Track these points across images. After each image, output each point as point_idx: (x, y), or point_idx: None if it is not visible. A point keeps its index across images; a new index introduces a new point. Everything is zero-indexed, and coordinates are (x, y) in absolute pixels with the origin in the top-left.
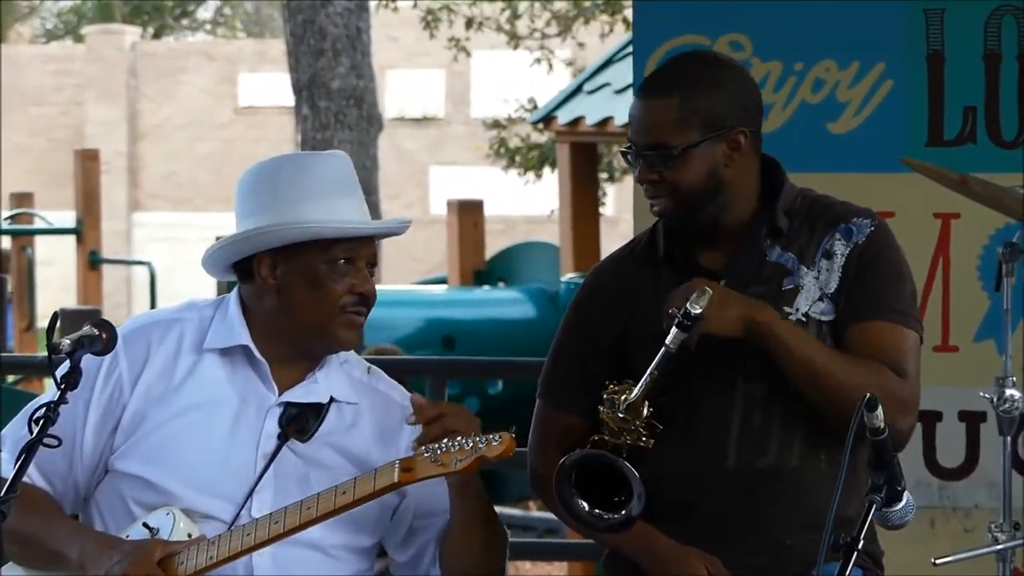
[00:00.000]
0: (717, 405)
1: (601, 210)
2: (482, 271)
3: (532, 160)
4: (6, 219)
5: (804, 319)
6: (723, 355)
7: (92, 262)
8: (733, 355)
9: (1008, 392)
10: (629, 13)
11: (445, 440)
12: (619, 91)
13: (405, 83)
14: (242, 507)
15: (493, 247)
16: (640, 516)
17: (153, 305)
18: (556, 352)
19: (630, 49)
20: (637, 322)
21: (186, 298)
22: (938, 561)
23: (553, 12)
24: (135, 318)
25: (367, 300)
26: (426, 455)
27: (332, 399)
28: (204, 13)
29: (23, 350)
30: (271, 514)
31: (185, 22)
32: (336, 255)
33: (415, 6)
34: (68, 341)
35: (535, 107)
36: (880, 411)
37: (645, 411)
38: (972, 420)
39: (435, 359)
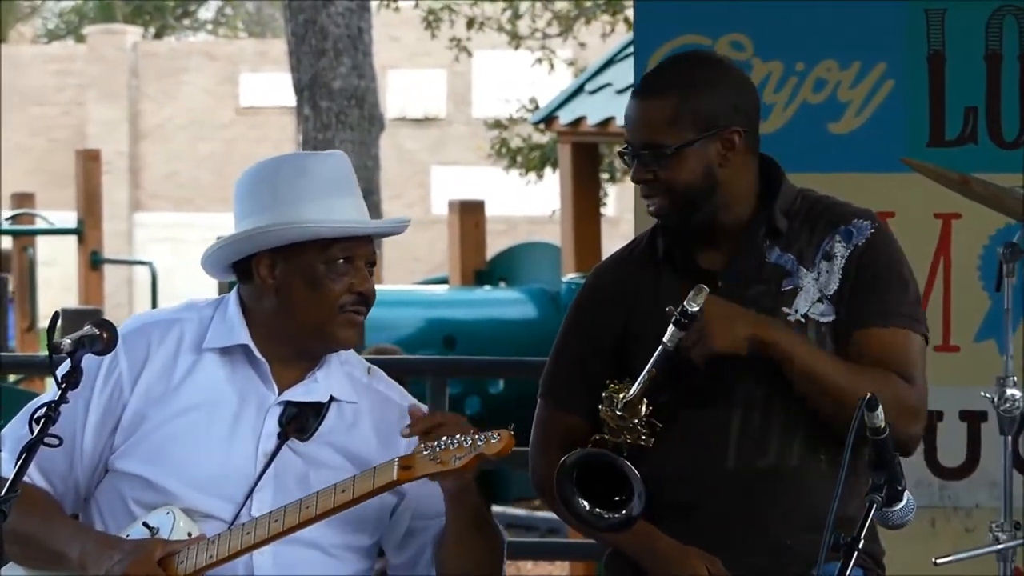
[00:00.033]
0: (717, 405)
1: (602, 210)
2: (483, 271)
3: (533, 160)
4: (7, 219)
5: (803, 320)
6: (721, 356)
7: (93, 262)
8: (732, 356)
9: (1009, 392)
10: (630, 13)
11: (444, 438)
12: (620, 91)
13: (406, 83)
14: (242, 506)
15: (494, 247)
16: (641, 516)
17: (154, 305)
18: (557, 352)
19: (631, 49)
20: (637, 322)
21: (187, 298)
22: (939, 561)
23: (554, 12)
24: (135, 318)
25: (366, 299)
26: (425, 453)
27: (332, 398)
28: (205, 13)
29: (24, 350)
30: (270, 513)
31: (186, 22)
32: (335, 255)
33: (416, 6)
34: (69, 341)
35: (536, 107)
36: (880, 411)
37: (643, 409)
38: (973, 420)
39: (436, 359)
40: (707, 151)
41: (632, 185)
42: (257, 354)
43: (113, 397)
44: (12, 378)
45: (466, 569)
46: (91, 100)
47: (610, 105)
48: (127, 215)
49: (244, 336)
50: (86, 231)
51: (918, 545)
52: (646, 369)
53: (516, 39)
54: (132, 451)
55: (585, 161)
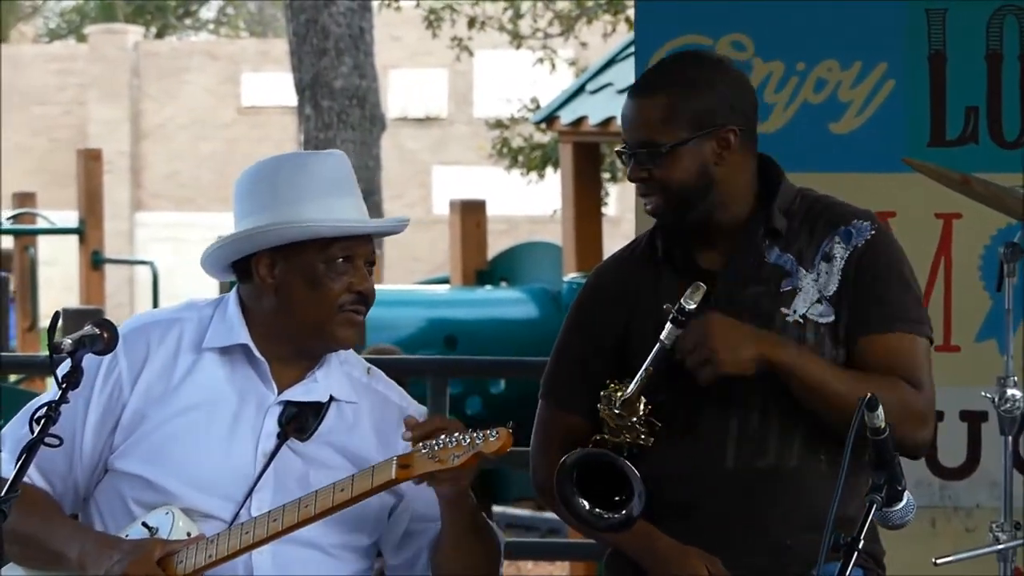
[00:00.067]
0: (715, 406)
1: (604, 210)
2: (484, 271)
3: (535, 160)
4: (8, 219)
5: (801, 320)
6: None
7: (95, 262)
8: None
9: (1009, 392)
10: (632, 13)
11: (443, 436)
12: (622, 91)
13: (408, 83)
14: (242, 506)
15: (495, 247)
16: (641, 516)
17: (156, 305)
18: (558, 352)
19: (633, 49)
20: (637, 322)
21: (189, 298)
22: (939, 561)
23: (556, 12)
24: (134, 318)
25: (366, 299)
26: (424, 451)
27: (332, 398)
28: (207, 13)
29: (26, 350)
30: (269, 512)
31: (188, 21)
32: (334, 254)
33: (418, 6)
34: (69, 340)
35: (538, 107)
36: (880, 411)
37: (642, 408)
38: (973, 420)
39: (437, 359)
40: (702, 150)
41: (633, 185)
42: (257, 354)
43: (113, 397)
44: (13, 378)
45: (462, 573)
46: (92, 100)
47: (611, 105)
48: (128, 215)
49: (244, 336)
50: (87, 231)
51: (918, 545)
52: (643, 367)
53: (517, 39)
54: (132, 451)
55: (586, 161)
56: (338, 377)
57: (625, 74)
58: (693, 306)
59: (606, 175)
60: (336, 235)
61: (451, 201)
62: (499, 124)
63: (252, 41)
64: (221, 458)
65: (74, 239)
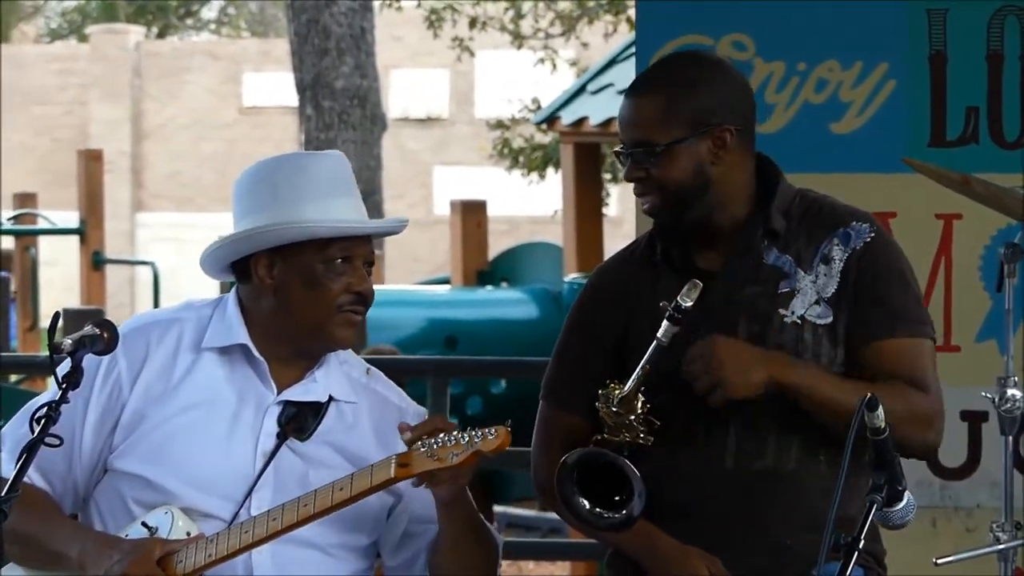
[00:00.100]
0: (713, 407)
1: (604, 210)
2: (485, 271)
3: (536, 160)
4: (9, 219)
5: (799, 321)
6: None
7: (95, 262)
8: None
9: (1010, 392)
10: (633, 13)
11: (441, 435)
12: (623, 91)
13: (409, 83)
14: (241, 505)
15: (496, 247)
16: (641, 515)
17: (156, 305)
18: (559, 353)
19: (634, 49)
20: (636, 322)
21: (188, 299)
22: (940, 561)
23: (557, 12)
24: (134, 318)
25: (364, 299)
26: (423, 450)
27: (331, 398)
28: (208, 13)
29: (26, 350)
30: (269, 511)
31: (189, 21)
32: (333, 254)
33: (419, 6)
34: (70, 340)
35: (539, 107)
36: (880, 411)
37: (639, 405)
38: (974, 420)
39: (438, 359)
40: (698, 149)
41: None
42: (256, 354)
43: (112, 397)
44: (14, 378)
45: (461, 574)
46: (93, 100)
47: (612, 105)
48: (129, 215)
49: (243, 336)
50: (88, 231)
51: (919, 545)
52: (640, 364)
53: (519, 39)
54: (131, 450)
55: (587, 161)
56: (337, 377)
57: (626, 74)
58: (690, 303)
59: (607, 176)
60: (335, 235)
61: (452, 201)
62: (500, 124)
63: (253, 41)
64: (220, 458)
65: (75, 239)
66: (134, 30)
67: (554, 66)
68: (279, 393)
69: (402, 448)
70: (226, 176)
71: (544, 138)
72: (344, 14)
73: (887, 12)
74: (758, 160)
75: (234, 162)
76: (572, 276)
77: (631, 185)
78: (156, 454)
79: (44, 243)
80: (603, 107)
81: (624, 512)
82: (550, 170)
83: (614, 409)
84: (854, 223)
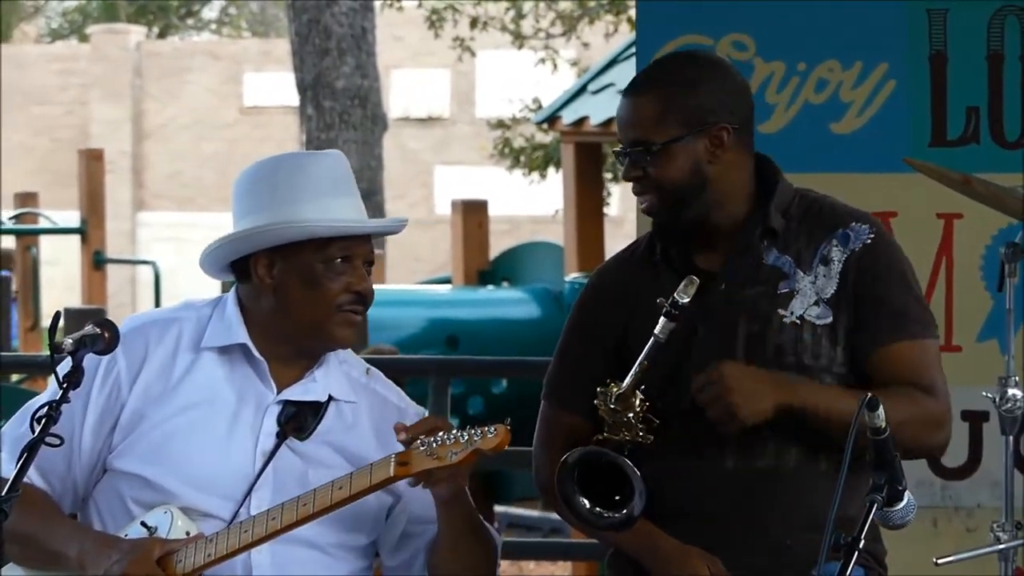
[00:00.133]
0: None
1: (605, 210)
2: (486, 271)
3: (537, 160)
4: (10, 219)
5: (799, 321)
6: (719, 357)
7: (96, 262)
8: (729, 357)
9: (1011, 392)
10: (634, 13)
11: (441, 434)
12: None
13: (410, 83)
14: (241, 505)
15: (497, 247)
16: (641, 515)
17: (158, 305)
18: (560, 353)
19: (635, 49)
20: (637, 322)
21: (187, 298)
22: (940, 561)
23: (558, 12)
24: (133, 318)
25: (364, 299)
26: (422, 449)
27: (331, 398)
28: (209, 13)
29: (27, 349)
30: (268, 511)
31: (190, 21)
32: (332, 254)
33: (420, 6)
34: (70, 340)
35: (539, 107)
36: (881, 411)
37: (637, 403)
38: (975, 420)
39: (439, 358)
40: (695, 148)
41: None
42: (255, 353)
43: (111, 396)
44: (15, 378)
45: (459, 574)
46: (94, 100)
47: (613, 105)
48: (130, 215)
49: (242, 335)
50: (89, 231)
51: (920, 545)
52: (638, 361)
53: (519, 39)
54: (130, 450)
55: (588, 161)
56: (337, 377)
57: (627, 74)
58: (686, 300)
59: (608, 175)
60: (334, 235)
61: (453, 201)
62: (501, 124)
63: (254, 41)
64: (220, 457)
65: (76, 239)
66: (135, 30)
67: (555, 66)
68: (279, 393)
69: (401, 448)
70: (227, 176)
71: (545, 138)
72: (345, 14)
73: (887, 12)
74: (757, 160)
75: (235, 162)
76: (573, 276)
77: (631, 185)
78: (155, 454)
79: (45, 243)
80: (604, 107)
81: (624, 512)
82: (551, 170)
83: (612, 406)
84: (853, 224)
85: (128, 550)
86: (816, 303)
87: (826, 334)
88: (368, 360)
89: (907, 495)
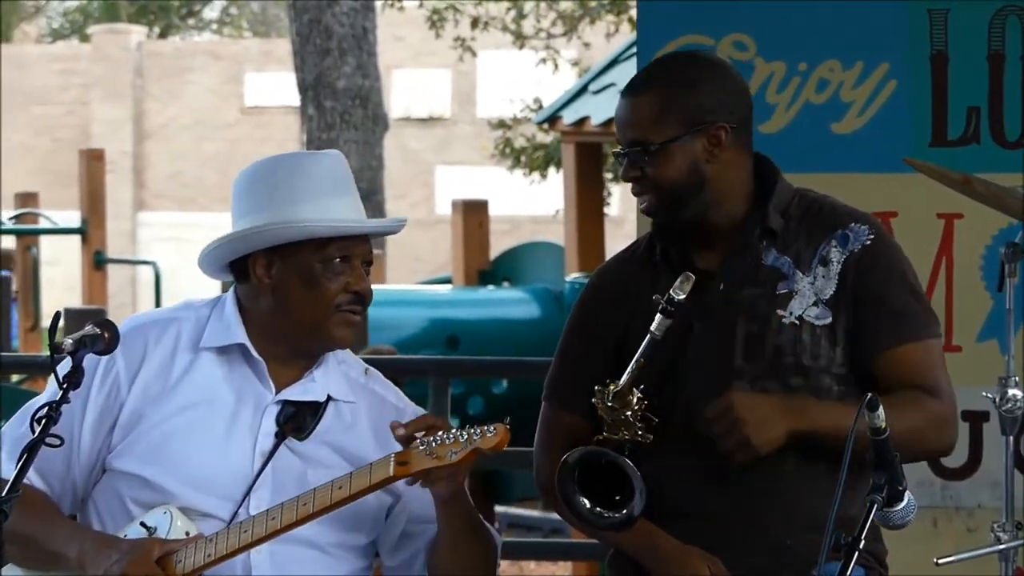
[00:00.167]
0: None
1: (606, 210)
2: (487, 271)
3: (537, 160)
4: (11, 219)
5: (798, 322)
6: (717, 357)
7: (97, 262)
8: (728, 357)
9: (1011, 392)
10: (635, 13)
11: (440, 433)
12: None
13: (411, 83)
14: (240, 505)
15: (498, 247)
16: (641, 515)
17: (158, 305)
18: (560, 353)
19: (636, 49)
20: (637, 322)
21: (186, 298)
22: (940, 561)
23: (559, 12)
24: (132, 318)
25: (363, 299)
26: (421, 448)
27: (330, 398)
28: (210, 13)
29: (28, 350)
30: (268, 510)
31: (191, 22)
32: (331, 254)
33: (421, 6)
34: (71, 340)
35: (540, 107)
36: (881, 411)
37: (634, 400)
38: (975, 420)
39: (439, 358)
40: (693, 147)
41: None
42: (254, 353)
43: (110, 397)
44: (15, 378)
45: (459, 573)
46: (95, 100)
47: (614, 105)
48: (131, 215)
49: (241, 335)
50: (90, 231)
51: (920, 545)
52: (635, 359)
53: (520, 39)
54: (130, 450)
55: (589, 161)
56: (336, 377)
57: (628, 74)
58: (682, 296)
59: (608, 175)
60: (332, 235)
61: (454, 201)
62: (502, 124)
63: (255, 41)
64: (219, 457)
65: (76, 239)
66: (136, 30)
67: (556, 66)
68: (277, 392)
69: (400, 447)
70: (228, 176)
71: (546, 138)
72: (346, 14)
73: (888, 12)
74: (756, 160)
75: (236, 162)
76: (573, 276)
77: (631, 185)
78: (154, 454)
79: (46, 243)
80: (605, 107)
81: (624, 511)
82: (552, 170)
83: (610, 404)
84: (853, 224)
85: (128, 550)
86: (815, 304)
87: (825, 334)
88: (367, 360)
89: (907, 495)
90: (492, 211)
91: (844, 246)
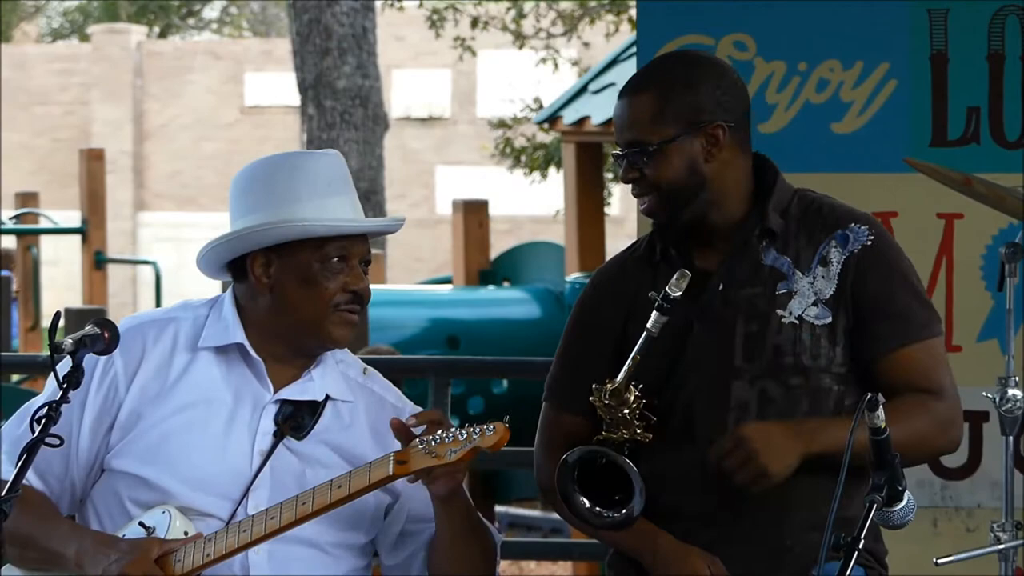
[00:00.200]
0: (711, 407)
1: (606, 210)
2: (487, 271)
3: (537, 160)
4: (11, 219)
5: (797, 321)
6: (716, 357)
7: (97, 262)
8: (727, 357)
9: (1011, 392)
10: (634, 13)
11: (439, 432)
12: None
13: (411, 83)
14: (238, 504)
15: (498, 247)
16: (641, 514)
17: (158, 305)
18: (561, 354)
19: (635, 49)
20: (635, 323)
21: (190, 298)
22: (940, 561)
23: (559, 11)
24: (130, 318)
25: (360, 298)
26: (420, 447)
27: (328, 397)
28: (210, 12)
29: (28, 349)
30: (267, 510)
31: (191, 21)
32: (329, 253)
33: (421, 5)
34: (70, 340)
35: (540, 107)
36: (880, 411)
37: (631, 398)
38: (975, 420)
39: (439, 358)
40: (691, 147)
41: None
42: (252, 353)
43: (109, 396)
44: (15, 378)
45: (459, 573)
46: (95, 99)
47: (614, 105)
48: (131, 214)
49: (239, 335)
50: (90, 230)
51: (919, 545)
52: (631, 356)
53: (520, 39)
54: (128, 450)
55: (589, 161)
56: (334, 376)
57: (628, 74)
58: (678, 293)
59: (609, 175)
60: (330, 234)
61: (454, 201)
62: (502, 124)
63: (255, 41)
64: (217, 457)
65: (77, 239)
66: (136, 30)
67: (556, 66)
68: (276, 392)
69: (399, 446)
70: (228, 176)
71: (546, 138)
72: (346, 14)
73: (888, 12)
74: (755, 159)
75: (236, 162)
76: (574, 276)
77: (630, 186)
78: (153, 453)
79: (46, 242)
80: (605, 107)
81: (624, 511)
82: (552, 170)
83: (606, 402)
84: (852, 225)
85: (126, 550)
86: (815, 303)
87: (825, 334)
88: (368, 360)
89: (907, 495)
90: (492, 211)
91: (844, 246)
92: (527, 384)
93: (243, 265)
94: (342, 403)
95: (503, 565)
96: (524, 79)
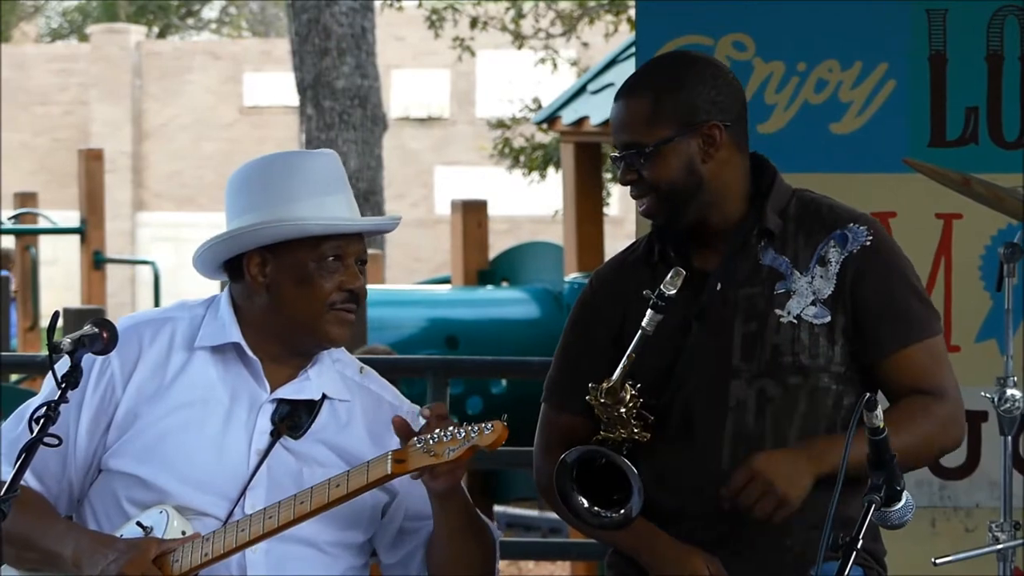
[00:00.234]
0: (709, 407)
1: (605, 210)
2: (486, 271)
3: (536, 160)
4: (10, 218)
5: (795, 321)
6: (714, 357)
7: (96, 262)
8: (725, 357)
9: (1009, 392)
10: (633, 13)
11: (437, 431)
12: None
13: (410, 83)
14: (236, 504)
15: (497, 247)
16: (640, 514)
17: (157, 305)
18: (559, 355)
19: (634, 49)
20: (632, 323)
21: (190, 298)
22: (939, 561)
23: (558, 12)
24: (127, 317)
25: (357, 297)
26: (418, 446)
27: (325, 396)
28: (209, 12)
29: (27, 349)
30: (264, 509)
31: (190, 21)
32: (325, 252)
33: (420, 6)
34: (69, 340)
35: (539, 107)
36: (879, 411)
37: (628, 397)
38: (973, 420)
39: (438, 358)
40: (688, 147)
41: None
42: (249, 352)
43: (106, 396)
44: (14, 377)
45: (458, 570)
46: (94, 99)
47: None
48: (130, 214)
49: (235, 334)
50: (89, 230)
51: (918, 545)
52: (626, 354)
53: (519, 39)
54: (125, 449)
55: (588, 161)
56: (331, 375)
57: (627, 74)
58: (673, 291)
59: (608, 175)
60: (326, 233)
61: (453, 201)
62: (501, 124)
63: (254, 41)
64: (214, 456)
65: (75, 239)
66: (135, 30)
67: (555, 66)
68: (272, 391)
69: (396, 445)
70: (226, 176)
71: (545, 138)
72: (345, 14)
73: (887, 12)
74: (753, 159)
75: (235, 162)
76: (573, 276)
77: (629, 188)
78: (150, 453)
79: (45, 242)
80: (604, 107)
81: (623, 511)
82: (551, 170)
83: (603, 400)
84: (851, 225)
85: (124, 550)
86: (813, 303)
87: (824, 333)
88: (367, 360)
89: (905, 495)
90: (491, 211)
91: (843, 246)
92: (526, 384)
93: (239, 265)
94: (339, 402)
95: (501, 565)
96: (523, 79)
